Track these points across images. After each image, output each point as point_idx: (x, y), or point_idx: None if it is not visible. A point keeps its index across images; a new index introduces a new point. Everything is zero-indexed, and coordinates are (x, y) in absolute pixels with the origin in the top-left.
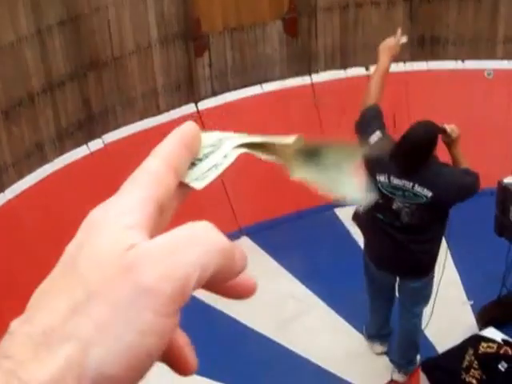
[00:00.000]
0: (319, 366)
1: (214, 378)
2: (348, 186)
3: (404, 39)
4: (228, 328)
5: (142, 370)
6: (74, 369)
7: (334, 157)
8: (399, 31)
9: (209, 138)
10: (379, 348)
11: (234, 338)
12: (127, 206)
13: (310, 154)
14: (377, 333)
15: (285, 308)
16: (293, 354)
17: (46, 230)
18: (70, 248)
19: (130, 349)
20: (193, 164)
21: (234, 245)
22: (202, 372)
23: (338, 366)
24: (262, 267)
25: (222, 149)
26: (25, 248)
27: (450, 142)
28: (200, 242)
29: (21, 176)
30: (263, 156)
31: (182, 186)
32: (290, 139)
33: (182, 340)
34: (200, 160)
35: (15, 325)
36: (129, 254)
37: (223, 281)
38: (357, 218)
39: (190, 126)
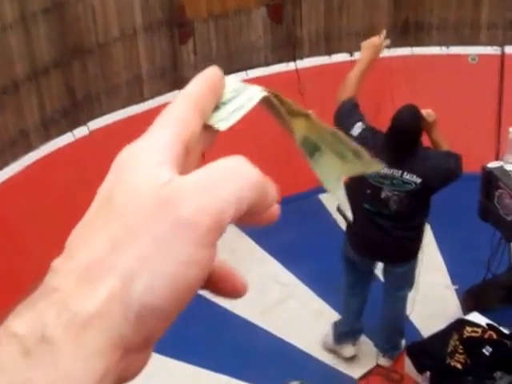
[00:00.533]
0: (303, 351)
1: (197, 364)
2: (335, 190)
3: (387, 42)
4: (211, 313)
5: (183, 301)
6: (118, 301)
7: (334, 162)
8: (384, 32)
9: (232, 83)
10: (350, 350)
11: (217, 324)
12: (156, 146)
13: (315, 147)
14: (349, 329)
15: (269, 293)
16: (277, 338)
17: (31, 216)
18: (103, 189)
19: (172, 280)
20: (217, 107)
21: (266, 179)
22: (184, 358)
23: (322, 351)
24: (246, 252)
25: (247, 92)
26: (10, 235)
27: (428, 127)
28: (235, 176)
29: (6, 163)
30: (278, 115)
31: (207, 129)
32: (306, 111)
33: (225, 265)
34: (224, 104)
35: (57, 262)
36: (166, 188)
37: (256, 214)
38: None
39: (213, 70)
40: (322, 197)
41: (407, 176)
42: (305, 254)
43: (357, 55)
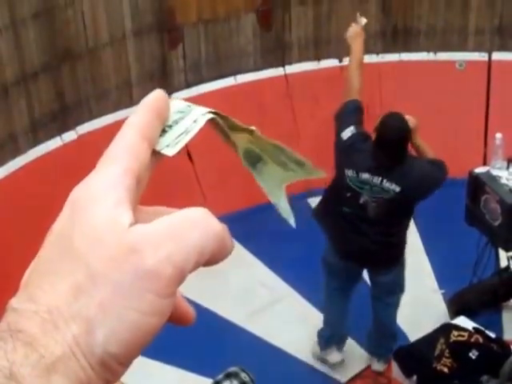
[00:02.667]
0: (291, 355)
1: (183, 367)
2: (278, 200)
3: (364, 20)
4: (198, 317)
5: (143, 346)
6: (82, 347)
7: (275, 172)
8: (358, 14)
9: (177, 104)
10: (337, 356)
11: (204, 327)
12: (109, 184)
13: (258, 159)
14: (333, 334)
15: (256, 296)
16: (264, 342)
17: (19, 220)
18: (59, 227)
19: (133, 329)
20: (163, 131)
21: (226, 230)
22: (170, 361)
23: (308, 355)
24: (233, 256)
25: (192, 114)
26: None
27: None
28: (198, 226)
29: None
30: (223, 133)
31: (154, 153)
32: (249, 127)
33: (179, 296)
34: (170, 127)
35: (16, 302)
36: (129, 235)
37: (215, 263)
38: (318, 213)
39: (158, 94)
40: (311, 201)
41: (386, 184)
42: (293, 257)
43: (346, 61)
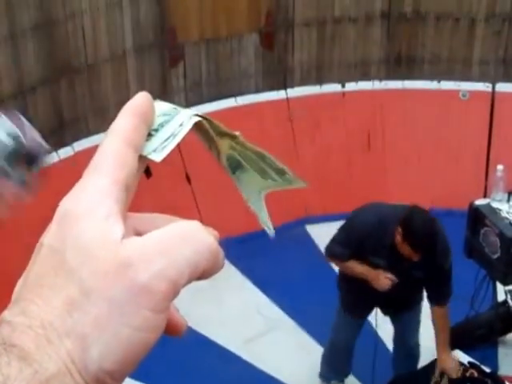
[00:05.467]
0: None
1: None
2: (257, 208)
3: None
4: (194, 343)
5: (137, 361)
6: (76, 364)
7: (255, 180)
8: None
9: (162, 106)
10: None
11: (199, 354)
12: (98, 196)
13: (239, 165)
14: (342, 371)
15: (252, 324)
16: (259, 371)
17: (11, 235)
18: (49, 240)
19: (127, 344)
20: (149, 135)
21: (217, 243)
22: None
23: (301, 381)
24: (230, 282)
25: (177, 118)
26: None
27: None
28: (192, 241)
29: None
30: (207, 137)
31: (141, 158)
32: (233, 132)
33: (172, 309)
34: (156, 130)
35: (9, 315)
36: (122, 249)
37: (208, 276)
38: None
39: (142, 97)
40: (309, 227)
41: (412, 271)
42: (290, 285)
43: (348, 86)
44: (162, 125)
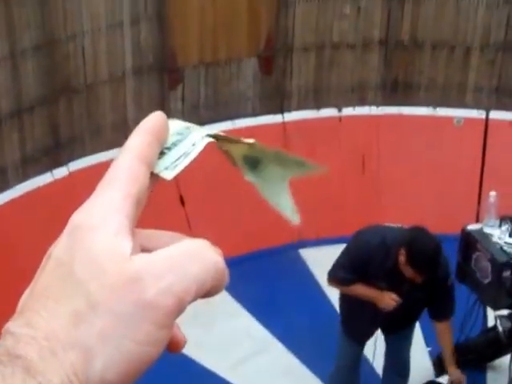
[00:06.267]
0: None
1: None
2: (282, 202)
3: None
4: (180, 366)
5: (138, 375)
6: (79, 376)
7: (274, 169)
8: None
9: (176, 125)
10: None
11: (186, 377)
12: (109, 209)
13: (257, 159)
14: None
15: (240, 347)
16: None
17: (3, 257)
18: (58, 252)
19: (130, 358)
20: (162, 153)
21: (223, 262)
22: None
23: None
24: (219, 304)
25: (190, 137)
26: None
27: None
28: (199, 259)
29: None
30: (224, 150)
31: (152, 175)
32: (248, 140)
33: (175, 325)
34: (169, 149)
35: (13, 326)
36: (130, 265)
37: (214, 294)
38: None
39: (156, 116)
40: (302, 251)
41: (414, 293)
42: (279, 308)
43: (345, 111)
44: (175, 144)
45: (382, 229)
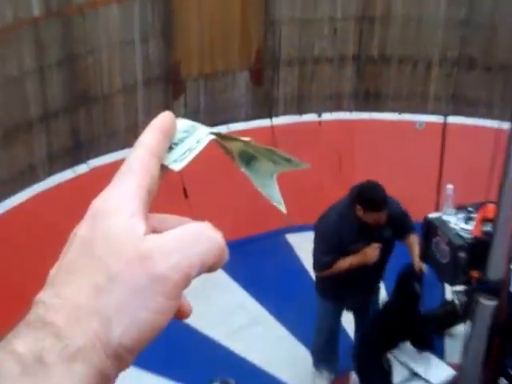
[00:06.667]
0: (264, 371)
1: (171, 378)
2: (273, 193)
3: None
4: (184, 333)
5: (150, 340)
6: (100, 340)
7: (266, 164)
8: (376, 246)
9: (183, 124)
10: (326, 378)
11: (188, 343)
12: (125, 197)
13: (251, 155)
14: (331, 359)
15: (235, 318)
16: (240, 358)
17: (32, 241)
18: (81, 232)
19: (143, 326)
20: (170, 148)
21: (224, 242)
22: (159, 371)
23: (279, 370)
24: (216, 281)
25: (195, 135)
26: (14, 256)
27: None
28: (203, 239)
29: (14, 192)
30: (224, 147)
31: (162, 167)
32: (245, 138)
33: (182, 296)
34: (176, 144)
35: (44, 296)
36: (144, 243)
37: (215, 269)
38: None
39: (166, 115)
40: (289, 236)
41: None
42: (269, 285)
43: (324, 116)
44: (182, 140)
45: (330, 208)
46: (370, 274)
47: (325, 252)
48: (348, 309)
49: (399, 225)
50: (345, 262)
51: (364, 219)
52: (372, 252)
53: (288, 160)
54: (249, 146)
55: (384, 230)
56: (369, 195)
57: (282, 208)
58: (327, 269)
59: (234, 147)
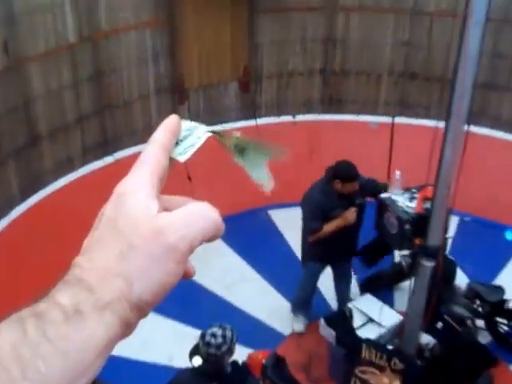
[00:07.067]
0: (253, 317)
1: (178, 319)
2: (261, 176)
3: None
4: (190, 288)
5: (163, 296)
6: (124, 295)
7: (256, 153)
8: (353, 210)
9: (186, 124)
10: (303, 322)
11: (193, 295)
12: (141, 182)
13: (243, 147)
14: (308, 304)
15: (230, 275)
16: (234, 307)
17: (70, 217)
18: (107, 211)
19: (159, 284)
20: (176, 143)
21: (221, 219)
22: (170, 315)
23: (265, 316)
24: (214, 247)
25: (196, 133)
26: (55, 230)
27: None
28: (205, 217)
29: (56, 179)
30: (220, 142)
31: (170, 159)
32: (236, 133)
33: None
34: (181, 140)
35: (79, 261)
36: (157, 220)
37: (213, 240)
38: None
39: (173, 118)
40: (271, 212)
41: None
42: (256, 250)
43: (298, 117)
44: (185, 137)
45: (314, 184)
46: (349, 234)
47: (313, 219)
48: (332, 265)
49: (373, 186)
50: (331, 225)
51: (342, 191)
52: (350, 215)
53: (274, 148)
54: (240, 139)
55: (357, 198)
56: (345, 169)
57: (270, 186)
58: (318, 232)
59: (228, 142)
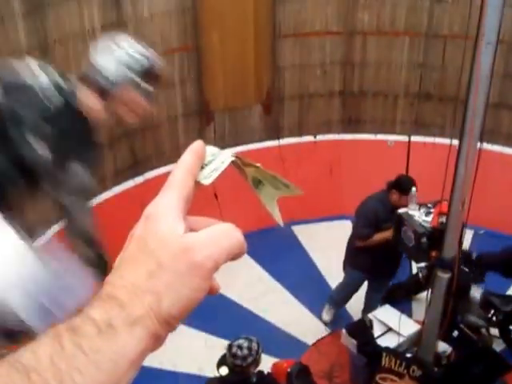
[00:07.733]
0: (278, 327)
1: (206, 331)
2: (273, 209)
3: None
4: (216, 299)
5: (190, 311)
6: (154, 310)
7: (271, 188)
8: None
9: (210, 149)
10: (332, 315)
11: (220, 307)
12: (169, 205)
13: (260, 180)
14: (343, 304)
15: (255, 288)
16: (260, 318)
17: (103, 235)
18: (138, 232)
19: (186, 300)
20: (201, 167)
21: (243, 238)
22: (198, 327)
23: (289, 326)
24: (240, 260)
25: (220, 158)
26: None
27: None
28: (228, 236)
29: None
30: (240, 169)
31: (196, 182)
32: (256, 164)
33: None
34: (206, 165)
35: (111, 278)
36: (184, 240)
37: (237, 259)
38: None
39: (199, 143)
40: (294, 228)
41: None
42: (280, 263)
43: (318, 137)
44: (210, 161)
45: (368, 197)
46: (394, 253)
47: (365, 226)
48: (371, 277)
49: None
50: (381, 235)
51: (397, 203)
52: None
53: (287, 185)
54: (258, 171)
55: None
56: (404, 181)
57: (280, 223)
58: (367, 238)
59: (248, 171)
